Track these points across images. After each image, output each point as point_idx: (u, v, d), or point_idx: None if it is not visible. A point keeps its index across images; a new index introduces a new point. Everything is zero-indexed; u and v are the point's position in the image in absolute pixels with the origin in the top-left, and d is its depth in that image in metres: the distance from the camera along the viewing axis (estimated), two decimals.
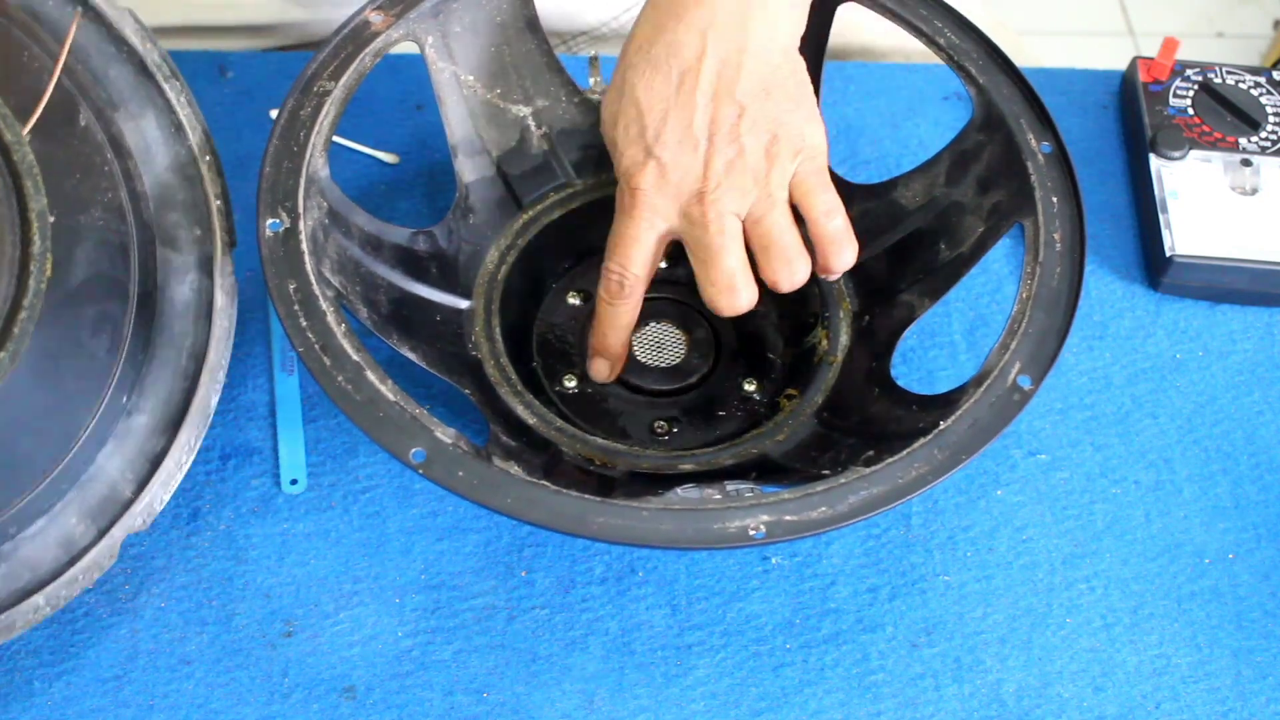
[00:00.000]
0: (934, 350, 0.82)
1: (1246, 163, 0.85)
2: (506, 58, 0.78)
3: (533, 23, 0.78)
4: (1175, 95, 0.89)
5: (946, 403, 0.68)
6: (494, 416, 0.71)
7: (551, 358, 0.78)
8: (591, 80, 0.81)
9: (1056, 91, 0.94)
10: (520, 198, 0.79)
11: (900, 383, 0.74)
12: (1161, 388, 0.81)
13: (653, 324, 0.78)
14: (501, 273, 0.77)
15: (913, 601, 0.73)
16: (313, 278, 0.65)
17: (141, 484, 0.63)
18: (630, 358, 0.76)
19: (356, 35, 0.73)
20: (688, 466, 0.72)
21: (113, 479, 0.63)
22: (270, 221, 0.67)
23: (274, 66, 0.89)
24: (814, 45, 0.77)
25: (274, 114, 0.86)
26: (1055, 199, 0.71)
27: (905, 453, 0.63)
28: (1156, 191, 0.85)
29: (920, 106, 0.92)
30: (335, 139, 0.85)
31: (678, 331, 0.79)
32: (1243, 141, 0.87)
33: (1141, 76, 0.90)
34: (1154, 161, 0.86)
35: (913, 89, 0.93)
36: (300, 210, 0.67)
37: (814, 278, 0.73)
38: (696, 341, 0.78)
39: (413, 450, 0.61)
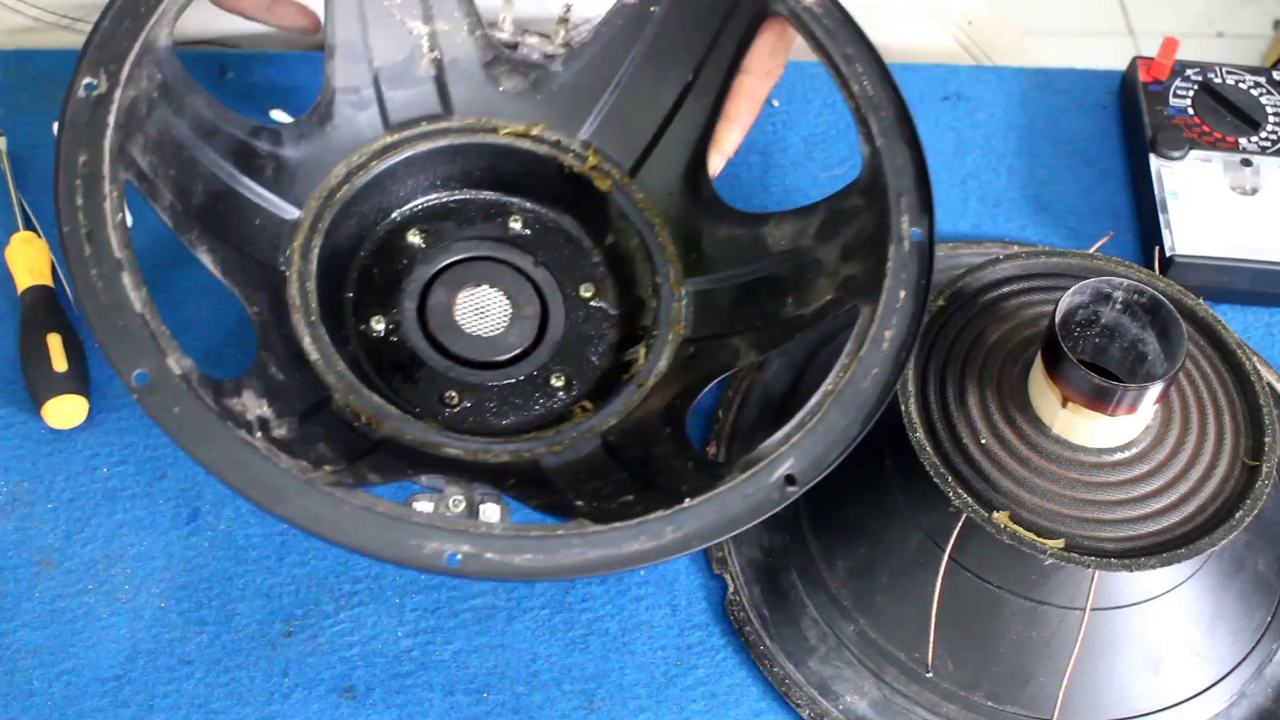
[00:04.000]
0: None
1: (1246, 163, 0.85)
2: None
3: None
4: (1175, 95, 0.89)
5: (713, 474, 0.62)
6: (274, 343, 0.66)
7: (368, 292, 0.72)
8: (502, 16, 0.76)
9: (1057, 91, 0.94)
10: (389, 117, 0.74)
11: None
12: None
13: (484, 287, 0.73)
14: (343, 190, 0.72)
15: None
16: (107, 155, 0.59)
17: None
18: (449, 319, 0.72)
19: None
20: (453, 451, 0.66)
21: None
22: (87, 81, 0.61)
23: (274, 66, 0.89)
24: (730, 62, 0.74)
25: (275, 114, 0.86)
26: (903, 293, 0.64)
27: (636, 522, 0.58)
28: (1156, 191, 0.85)
29: (920, 106, 0.92)
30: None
31: (506, 302, 0.73)
32: (1243, 141, 0.87)
33: (1141, 76, 0.90)
34: (1154, 161, 0.86)
35: (912, 89, 0.93)
36: (123, 76, 0.61)
37: (655, 288, 0.72)
38: (521, 318, 0.73)
39: (137, 371, 0.56)
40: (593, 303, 0.74)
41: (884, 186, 0.66)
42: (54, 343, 0.75)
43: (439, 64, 0.74)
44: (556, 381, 0.72)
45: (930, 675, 0.67)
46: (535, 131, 0.75)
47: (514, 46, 0.76)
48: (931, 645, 0.66)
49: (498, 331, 0.72)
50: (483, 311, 0.73)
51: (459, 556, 0.55)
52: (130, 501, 0.73)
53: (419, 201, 0.75)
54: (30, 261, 0.78)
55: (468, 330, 0.72)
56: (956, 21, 1.03)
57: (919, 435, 0.66)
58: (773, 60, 0.73)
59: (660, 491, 0.62)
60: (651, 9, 0.74)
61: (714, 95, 0.74)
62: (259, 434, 0.59)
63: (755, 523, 0.58)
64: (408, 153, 0.73)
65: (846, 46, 0.69)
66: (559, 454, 0.67)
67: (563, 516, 0.60)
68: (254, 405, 0.60)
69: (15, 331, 0.77)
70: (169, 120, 0.65)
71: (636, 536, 0.57)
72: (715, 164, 0.74)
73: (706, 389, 0.69)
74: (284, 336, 0.67)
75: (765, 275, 0.71)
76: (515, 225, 0.76)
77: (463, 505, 0.59)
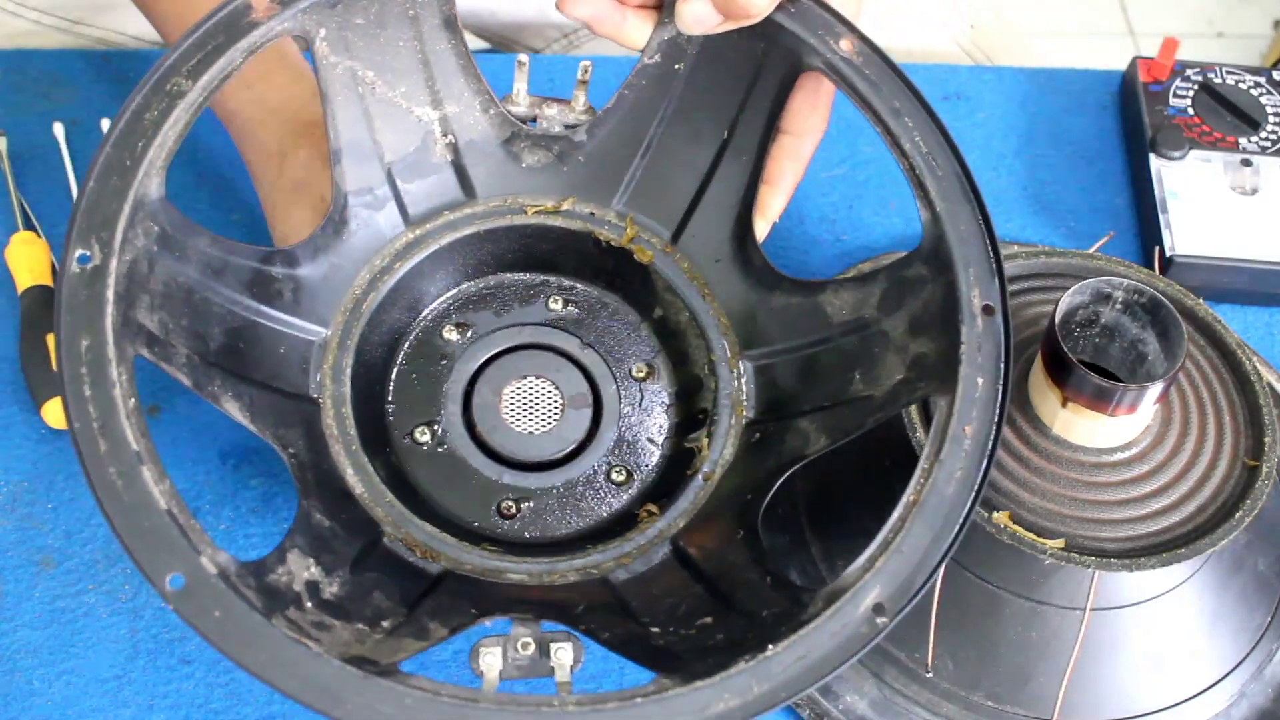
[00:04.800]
0: None
1: (1246, 163, 0.85)
2: (416, 54, 0.68)
3: (450, 21, 0.68)
4: (1175, 95, 0.89)
5: (794, 600, 0.57)
6: (314, 484, 0.62)
7: (408, 402, 0.68)
8: (516, 87, 0.70)
9: (1057, 91, 0.94)
10: (408, 211, 0.69)
11: None
12: None
13: (530, 379, 0.69)
14: (369, 299, 0.67)
15: None
16: (110, 335, 0.55)
17: None
18: (498, 419, 0.68)
19: (231, 23, 0.61)
20: (516, 576, 0.62)
21: None
22: (79, 253, 0.56)
23: None
24: (767, 119, 0.69)
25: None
26: (980, 379, 0.59)
27: (719, 678, 0.52)
28: (1156, 191, 0.85)
29: None
30: None
31: (555, 392, 0.69)
32: (1243, 141, 0.87)
33: (1141, 76, 0.90)
34: (1154, 161, 0.86)
35: None
36: (117, 243, 0.56)
37: (710, 365, 0.68)
38: (572, 408, 0.69)
39: (170, 575, 0.51)
40: (646, 384, 0.70)
41: (949, 256, 0.62)
42: (54, 343, 0.74)
43: (454, 148, 0.70)
44: (618, 476, 0.68)
45: (930, 675, 0.67)
46: (566, 206, 0.71)
47: (532, 119, 0.71)
48: (931, 645, 0.66)
49: (550, 426, 0.68)
50: (531, 406, 0.69)
51: None
52: None
53: (451, 294, 0.71)
54: (30, 261, 0.78)
55: (518, 429, 0.68)
56: (959, 24, 1.03)
57: (919, 435, 0.66)
58: (812, 117, 0.70)
59: (739, 614, 0.58)
60: (676, 66, 0.69)
61: (753, 155, 0.69)
62: (308, 604, 0.57)
63: (846, 666, 0.53)
64: (433, 247, 0.69)
65: (893, 99, 0.64)
66: (628, 566, 0.63)
67: (638, 652, 0.57)
68: (300, 569, 0.56)
69: (15, 331, 0.77)
70: (173, 269, 0.60)
71: (720, 696, 0.52)
72: (760, 229, 0.71)
73: (777, 484, 0.64)
74: (324, 474, 0.63)
75: (828, 348, 0.67)
76: (556, 306, 0.71)
77: (531, 648, 0.56)
